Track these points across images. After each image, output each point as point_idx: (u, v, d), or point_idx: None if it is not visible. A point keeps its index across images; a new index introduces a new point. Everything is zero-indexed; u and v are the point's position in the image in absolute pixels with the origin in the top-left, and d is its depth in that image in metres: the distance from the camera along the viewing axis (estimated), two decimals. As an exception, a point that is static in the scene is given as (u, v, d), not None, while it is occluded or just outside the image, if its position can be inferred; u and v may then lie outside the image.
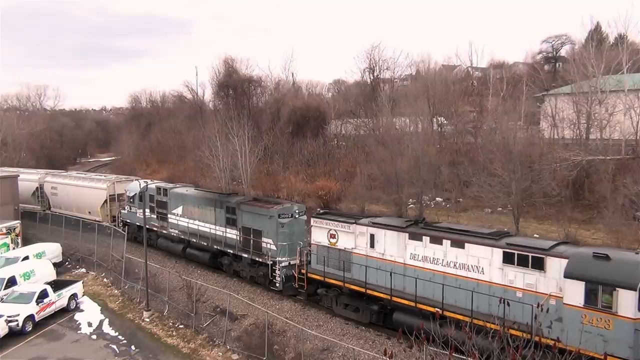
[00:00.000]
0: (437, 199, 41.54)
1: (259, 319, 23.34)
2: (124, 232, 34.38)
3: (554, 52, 71.19)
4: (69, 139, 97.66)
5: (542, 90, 49.22)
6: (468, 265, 18.94)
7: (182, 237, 33.35)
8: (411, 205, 37.68)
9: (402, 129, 42.73)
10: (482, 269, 18.50)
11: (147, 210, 34.63)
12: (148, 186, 34.64)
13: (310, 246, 25.50)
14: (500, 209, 36.46)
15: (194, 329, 24.39)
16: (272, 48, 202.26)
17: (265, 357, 20.62)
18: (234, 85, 63.44)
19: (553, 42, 70.43)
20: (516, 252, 17.57)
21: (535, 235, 29.80)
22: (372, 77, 60.65)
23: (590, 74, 38.96)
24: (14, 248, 33.74)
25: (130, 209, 38.30)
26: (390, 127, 43.29)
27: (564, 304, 15.93)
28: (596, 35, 48.78)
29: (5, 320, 23.67)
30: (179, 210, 33.73)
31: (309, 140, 51.77)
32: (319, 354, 20.54)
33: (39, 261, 30.62)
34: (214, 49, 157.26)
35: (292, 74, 74.60)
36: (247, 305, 25.02)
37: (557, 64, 69.56)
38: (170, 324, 25.39)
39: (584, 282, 15.43)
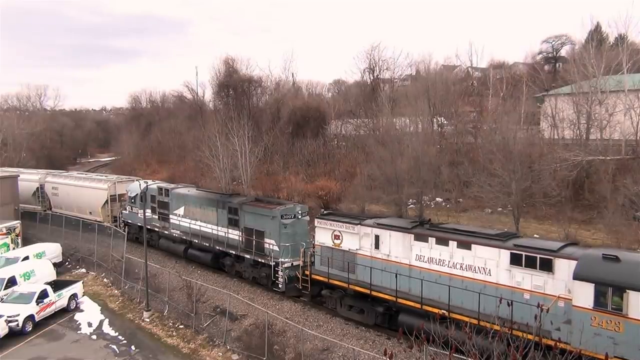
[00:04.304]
0: (437, 199, 41.53)
1: (259, 319, 23.34)
2: (125, 232, 34.39)
3: (554, 53, 71.22)
4: (69, 139, 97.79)
5: (542, 90, 49.24)
6: (475, 267, 18.83)
7: (184, 237, 33.31)
8: (411, 206, 37.69)
9: (402, 129, 42.75)
10: (489, 270, 18.41)
11: (149, 211, 34.69)
12: (149, 186, 34.63)
13: (313, 247, 25.46)
14: (501, 209, 36.46)
15: (194, 329, 24.40)
16: (272, 48, 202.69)
17: (265, 357, 20.62)
18: (234, 85, 63.50)
19: (553, 43, 70.53)
20: (524, 253, 17.44)
21: (535, 235, 29.80)
22: (372, 77, 60.70)
23: (590, 74, 38.97)
24: (14, 248, 33.75)
25: (132, 209, 38.31)
26: (390, 127, 43.30)
27: (573, 306, 15.74)
28: (596, 35, 48.79)
29: (5, 320, 23.68)
30: (181, 210, 33.72)
31: (309, 140, 51.78)
32: (319, 354, 20.53)
33: (39, 261, 30.63)
34: (213, 49, 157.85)
35: (292, 74, 74.85)
36: (247, 306, 25.02)
37: (557, 64, 69.56)
38: (170, 324, 25.39)
39: (593, 284, 15.22)
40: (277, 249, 26.42)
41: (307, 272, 24.69)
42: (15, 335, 23.82)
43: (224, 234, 29.94)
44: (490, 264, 18.41)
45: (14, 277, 27.26)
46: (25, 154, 67.06)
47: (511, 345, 9.21)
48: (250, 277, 28.69)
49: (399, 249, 21.28)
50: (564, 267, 16.41)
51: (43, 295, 25.71)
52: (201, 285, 26.77)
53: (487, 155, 34.48)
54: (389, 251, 21.69)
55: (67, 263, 35.93)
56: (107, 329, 25.47)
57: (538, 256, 17.12)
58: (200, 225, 31.74)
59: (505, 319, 12.12)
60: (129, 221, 38.59)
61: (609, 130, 37.06)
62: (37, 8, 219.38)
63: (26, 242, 36.04)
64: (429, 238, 20.27)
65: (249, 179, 43.40)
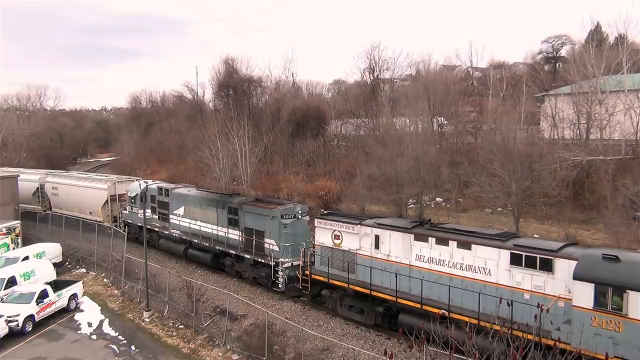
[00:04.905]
0: (437, 199, 41.55)
1: (259, 319, 23.33)
2: (125, 232, 34.39)
3: (554, 52, 71.26)
4: (69, 139, 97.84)
5: (542, 90, 49.26)
6: (474, 267, 18.79)
7: (184, 237, 33.29)
8: (411, 206, 37.69)
9: (402, 129, 42.77)
10: (489, 270, 18.37)
11: (149, 211, 34.67)
12: (149, 186, 34.61)
13: (313, 247, 25.46)
14: (501, 209, 36.48)
15: (194, 329, 24.39)
16: (272, 48, 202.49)
17: (265, 357, 20.62)
18: (234, 85, 63.55)
19: (553, 42, 70.59)
20: (524, 253, 17.41)
21: (535, 235, 29.81)
22: (372, 77, 60.76)
23: (590, 74, 38.99)
24: (14, 248, 33.74)
25: (132, 209, 38.28)
26: (390, 127, 43.36)
27: (573, 306, 15.69)
28: (596, 35, 48.82)
29: (6, 320, 23.66)
30: (181, 210, 33.70)
31: (309, 140, 51.81)
32: (319, 354, 20.53)
33: (39, 261, 30.62)
34: (213, 49, 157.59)
35: (292, 74, 74.93)
36: (247, 306, 25.01)
37: (557, 64, 69.59)
38: (171, 324, 25.38)
39: (593, 284, 15.18)
40: (277, 249, 26.41)
41: (307, 272, 24.66)
42: (15, 335, 23.79)
43: (224, 234, 29.93)
44: (490, 264, 18.38)
45: (14, 277, 27.25)
46: (25, 154, 67.13)
47: (511, 345, 9.23)
48: (250, 277, 28.68)
49: (399, 249, 21.24)
50: (564, 267, 16.37)
51: (43, 295, 25.70)
52: (201, 285, 26.76)
53: (487, 155, 34.49)
54: (389, 251, 21.66)
55: (67, 263, 35.91)
56: (107, 329, 25.45)
57: (538, 256, 17.08)
58: (200, 225, 31.73)
59: (505, 319, 12.15)
60: (129, 221, 38.57)
61: (609, 130, 37.06)
62: (37, 8, 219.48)
63: (26, 242, 36.02)
64: (429, 238, 20.23)
65: (249, 179, 43.45)
